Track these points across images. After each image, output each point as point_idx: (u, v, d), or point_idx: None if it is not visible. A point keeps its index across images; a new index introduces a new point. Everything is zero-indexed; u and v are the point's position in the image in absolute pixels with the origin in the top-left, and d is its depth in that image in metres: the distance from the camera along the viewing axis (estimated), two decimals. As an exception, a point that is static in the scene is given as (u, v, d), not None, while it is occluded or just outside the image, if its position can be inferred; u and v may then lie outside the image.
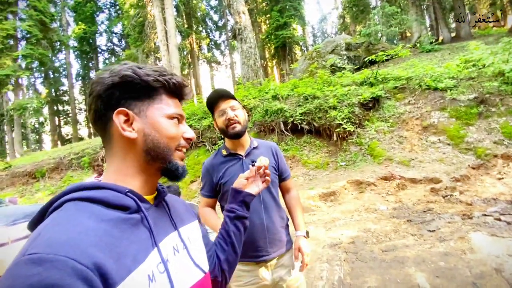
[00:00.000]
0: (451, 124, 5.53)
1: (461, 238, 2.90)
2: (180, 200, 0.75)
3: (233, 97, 1.35)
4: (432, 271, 2.48)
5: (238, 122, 1.32)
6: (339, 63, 10.50)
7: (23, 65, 18.14)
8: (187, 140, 0.63)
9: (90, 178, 5.41)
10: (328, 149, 6.43)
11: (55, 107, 26.55)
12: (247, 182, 0.89)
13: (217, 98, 1.33)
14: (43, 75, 25.29)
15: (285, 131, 6.93)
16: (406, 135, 5.88)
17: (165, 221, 0.61)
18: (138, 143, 0.57)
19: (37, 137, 29.18)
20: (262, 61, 21.84)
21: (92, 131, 23.64)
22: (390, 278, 2.48)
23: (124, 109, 0.56)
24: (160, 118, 0.59)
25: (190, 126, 8.22)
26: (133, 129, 0.56)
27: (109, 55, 27.69)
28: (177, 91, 0.63)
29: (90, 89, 0.57)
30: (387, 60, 9.00)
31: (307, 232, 1.39)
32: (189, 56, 24.20)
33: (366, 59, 9.55)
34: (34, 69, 22.48)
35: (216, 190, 1.38)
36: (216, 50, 29.04)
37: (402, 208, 3.91)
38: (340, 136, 6.28)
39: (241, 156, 1.37)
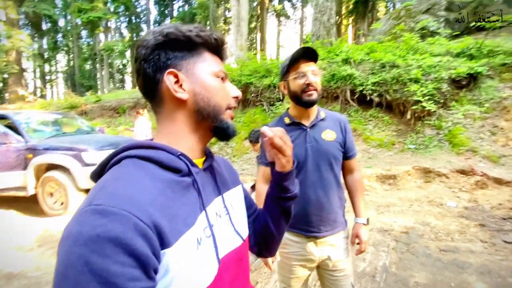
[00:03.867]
0: None
1: (548, 260, 2.43)
2: (225, 162, 0.75)
3: (316, 60, 1.22)
4: (497, 285, 2.18)
5: (316, 90, 1.20)
6: (434, 26, 8.70)
7: (112, 9, 19.98)
8: (235, 98, 0.62)
9: (139, 120, 6.49)
10: (397, 127, 5.75)
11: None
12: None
13: (300, 56, 1.20)
14: (127, 19, 27.60)
15: (350, 101, 6.37)
16: (503, 126, 4.82)
17: (211, 186, 0.61)
18: (189, 103, 0.56)
19: (121, 77, 33.26)
20: (337, 17, 19.56)
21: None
22: (443, 280, 2.28)
23: (174, 70, 0.54)
24: (207, 76, 0.58)
25: (251, 83, 8.19)
26: (184, 90, 0.55)
27: (183, 3, 28.30)
28: (218, 48, 0.61)
29: (136, 54, 0.55)
30: (501, 27, 7.08)
31: (368, 220, 1.30)
32: (258, 7, 23.09)
33: (471, 25, 7.67)
34: (120, 13, 24.59)
35: None
36: (288, 2, 26.97)
37: (476, 209, 3.40)
38: (416, 115, 5.48)
39: (305, 127, 1.28)
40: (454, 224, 3.13)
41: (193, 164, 0.56)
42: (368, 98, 6.11)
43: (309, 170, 1.24)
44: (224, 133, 0.60)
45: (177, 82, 0.55)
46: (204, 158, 0.63)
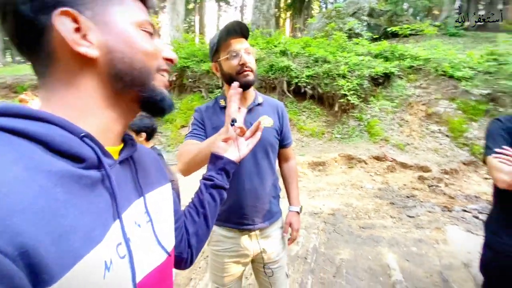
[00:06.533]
0: (456, 116, 5.37)
1: (437, 229, 2.97)
2: (152, 154, 0.57)
3: (247, 37, 1.09)
4: (404, 254, 2.55)
5: (251, 70, 1.08)
6: (358, 28, 9.69)
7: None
8: (168, 61, 0.45)
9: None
10: (327, 118, 6.24)
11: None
12: (226, 145, 0.72)
13: (229, 33, 1.05)
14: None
15: (287, 92, 6.59)
16: (408, 119, 5.72)
17: (129, 184, 0.44)
18: (101, 63, 0.38)
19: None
20: (276, 10, 20.00)
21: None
22: (362, 254, 2.55)
23: (70, 9, 0.34)
24: (128, 26, 0.40)
25: (187, 67, 7.66)
26: (91, 43, 0.36)
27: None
28: None
29: None
30: (410, 35, 8.35)
31: (301, 208, 1.28)
32: (197, -12, 21.79)
33: (388, 30, 8.82)
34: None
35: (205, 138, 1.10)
36: (228, -13, 26.27)
37: (387, 190, 3.95)
38: (342, 107, 6.04)
39: None
40: (371, 204, 3.57)
41: (106, 153, 0.37)
42: (303, 90, 6.42)
43: (244, 158, 1.13)
44: (158, 106, 0.43)
45: (78, 30, 0.35)
46: (121, 146, 0.44)
